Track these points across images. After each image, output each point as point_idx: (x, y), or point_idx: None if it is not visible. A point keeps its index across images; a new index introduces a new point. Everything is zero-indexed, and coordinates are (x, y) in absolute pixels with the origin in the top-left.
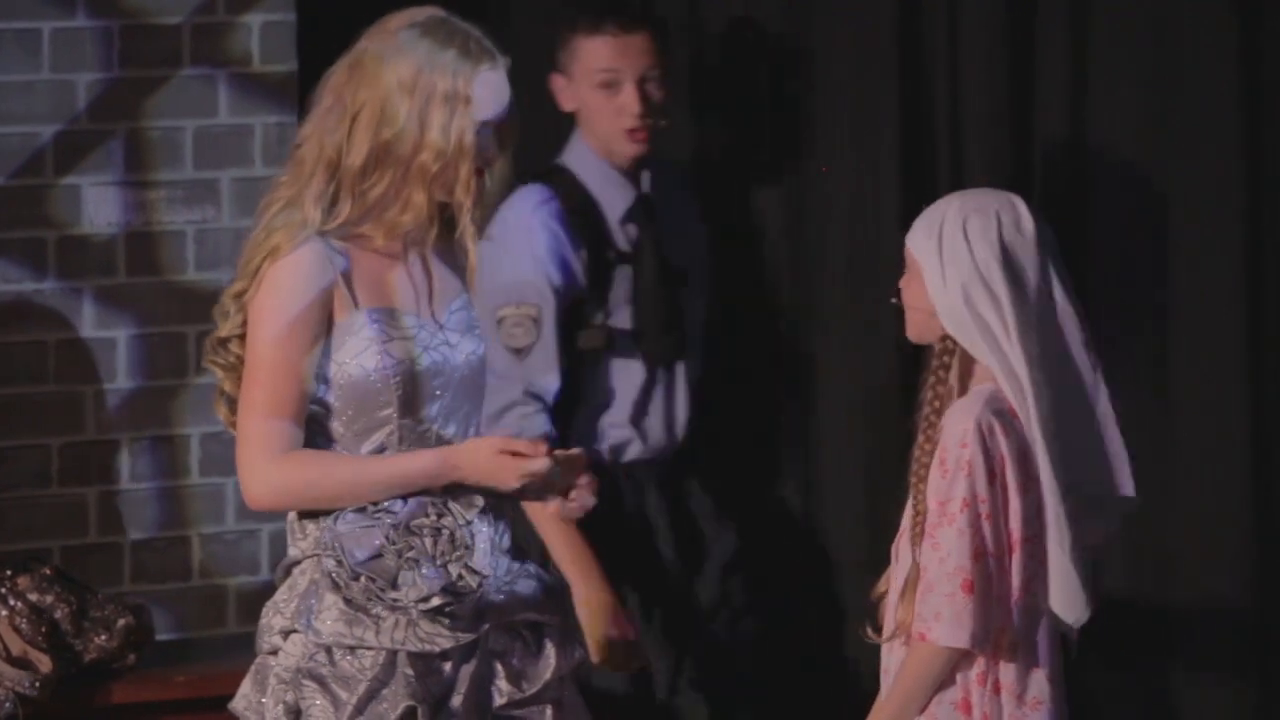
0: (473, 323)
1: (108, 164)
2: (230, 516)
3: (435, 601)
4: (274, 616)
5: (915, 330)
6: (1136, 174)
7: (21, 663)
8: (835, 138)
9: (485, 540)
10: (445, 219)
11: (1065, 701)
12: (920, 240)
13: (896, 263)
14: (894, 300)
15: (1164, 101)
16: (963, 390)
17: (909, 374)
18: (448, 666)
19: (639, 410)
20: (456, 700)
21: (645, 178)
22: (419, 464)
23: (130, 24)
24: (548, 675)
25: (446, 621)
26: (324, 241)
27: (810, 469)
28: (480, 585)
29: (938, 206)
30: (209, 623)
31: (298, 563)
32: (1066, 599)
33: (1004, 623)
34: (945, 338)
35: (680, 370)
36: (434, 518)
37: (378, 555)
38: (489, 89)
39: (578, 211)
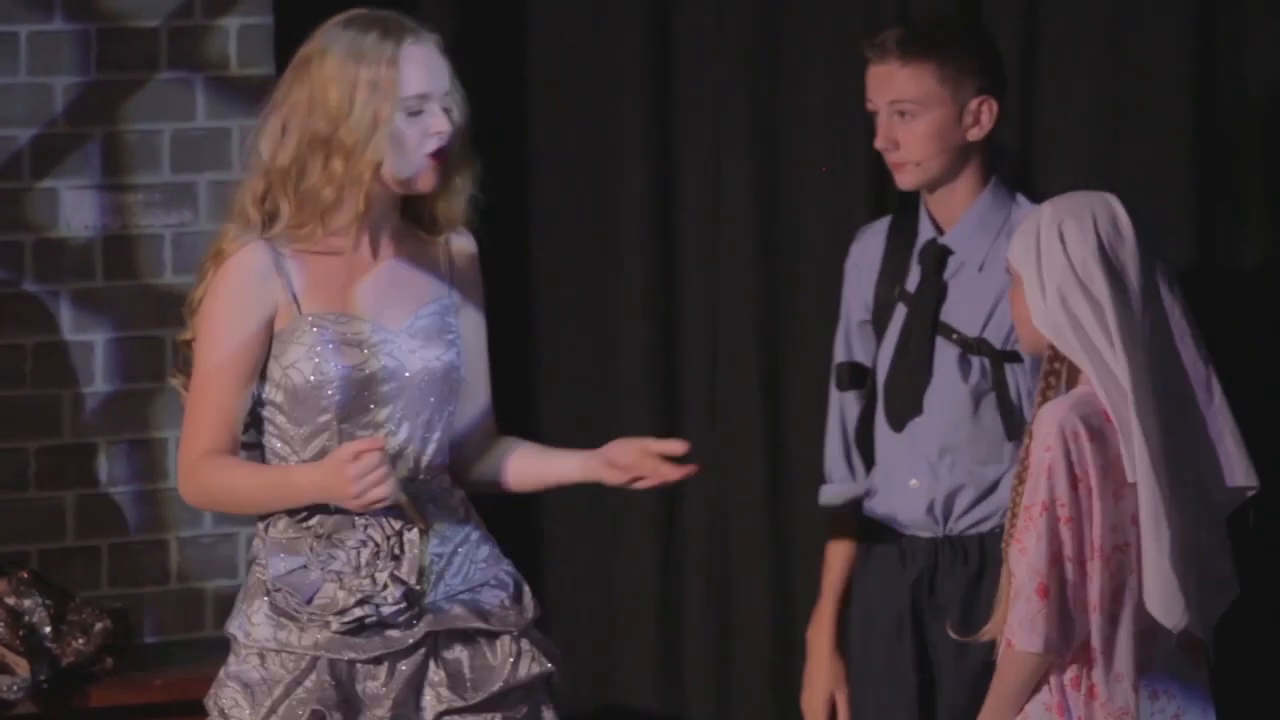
0: (446, 328)
1: (85, 167)
2: (208, 520)
3: (356, 613)
4: (228, 621)
5: (1027, 342)
6: (1085, 174)
7: None
8: (806, 144)
9: (415, 550)
10: (423, 218)
11: (1161, 714)
12: (1019, 252)
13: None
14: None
15: (1114, 102)
16: None
17: None
18: (382, 672)
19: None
20: (384, 707)
21: (969, 217)
22: (297, 479)
23: (107, 27)
24: (495, 686)
25: (369, 630)
26: (270, 246)
27: None
28: (405, 595)
29: (1032, 216)
30: (187, 626)
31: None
32: (1164, 603)
33: (1086, 629)
34: (1053, 347)
35: (926, 434)
36: (361, 529)
37: (302, 566)
38: (414, 62)
39: (895, 245)
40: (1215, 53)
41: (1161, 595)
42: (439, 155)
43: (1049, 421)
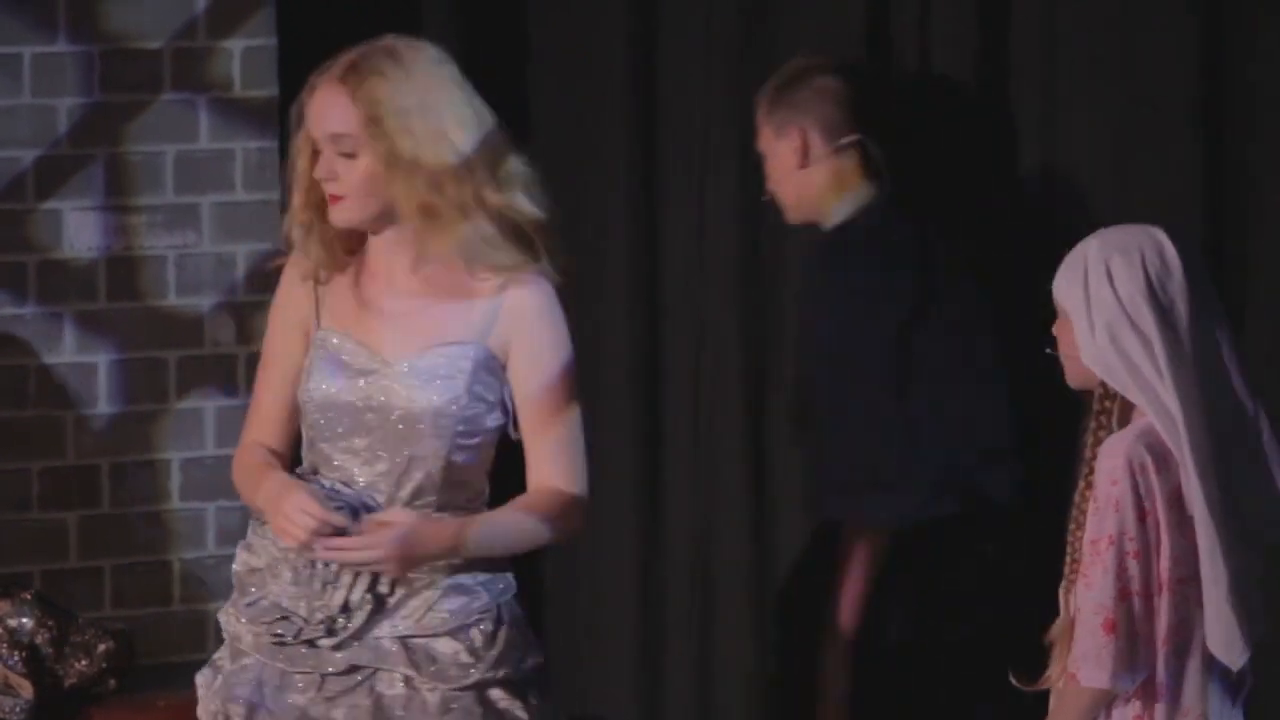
0: (456, 371)
1: (89, 188)
2: (211, 541)
3: (278, 629)
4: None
5: (1074, 378)
6: (1100, 200)
7: (1, 689)
8: None
9: (349, 577)
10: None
11: None
12: (1065, 287)
13: None
14: (1049, 350)
15: (1127, 129)
16: None
17: None
18: (312, 688)
19: None
20: None
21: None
22: (265, 486)
23: (111, 49)
24: None
25: (303, 645)
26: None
27: None
28: (324, 624)
29: (1078, 250)
30: (190, 648)
31: None
32: (1224, 640)
33: (1152, 665)
34: (1104, 384)
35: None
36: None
37: (259, 568)
38: (308, 106)
39: None
40: (1224, 67)
41: (1223, 633)
42: (335, 198)
43: (1115, 455)
